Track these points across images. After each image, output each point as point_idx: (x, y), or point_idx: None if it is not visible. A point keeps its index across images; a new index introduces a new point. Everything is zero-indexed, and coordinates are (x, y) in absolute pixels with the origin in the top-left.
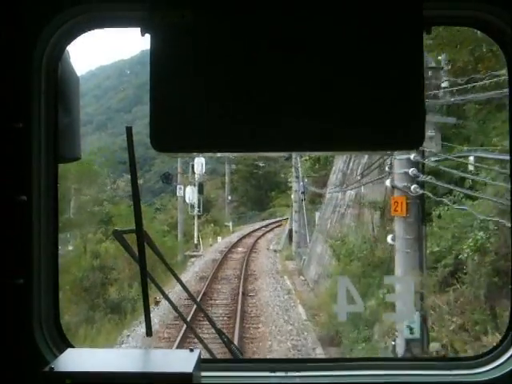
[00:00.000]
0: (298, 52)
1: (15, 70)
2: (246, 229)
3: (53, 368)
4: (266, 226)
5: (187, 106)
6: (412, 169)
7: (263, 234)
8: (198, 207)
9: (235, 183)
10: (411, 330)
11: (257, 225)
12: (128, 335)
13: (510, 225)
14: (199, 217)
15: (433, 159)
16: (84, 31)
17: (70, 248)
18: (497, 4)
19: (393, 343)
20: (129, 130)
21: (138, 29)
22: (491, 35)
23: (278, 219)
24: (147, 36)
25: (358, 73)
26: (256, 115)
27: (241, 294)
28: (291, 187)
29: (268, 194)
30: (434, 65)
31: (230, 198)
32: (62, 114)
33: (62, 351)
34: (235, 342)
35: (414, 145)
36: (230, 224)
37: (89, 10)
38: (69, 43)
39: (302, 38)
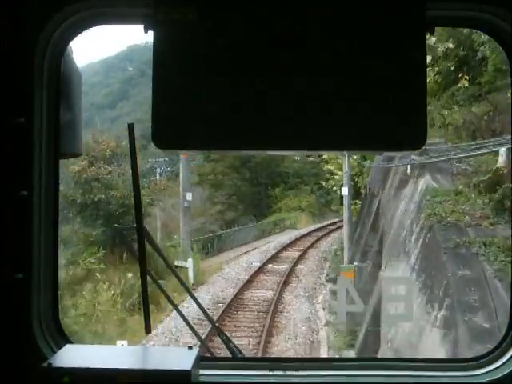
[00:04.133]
0: (300, 51)
1: (18, 65)
2: (232, 268)
3: (51, 364)
4: (274, 257)
5: (189, 104)
6: None
7: (276, 306)
8: None
9: (219, 176)
10: None
11: (252, 253)
12: None
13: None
14: None
15: None
16: (86, 28)
17: None
18: (499, 5)
19: None
20: (130, 127)
21: (136, 25)
22: (494, 36)
23: (293, 235)
24: (136, 31)
25: (360, 73)
26: (257, 114)
27: None
28: (332, 171)
29: (269, 192)
30: None
31: (189, 198)
32: (64, 109)
33: (60, 347)
34: None
35: (416, 146)
36: (190, 263)
37: (91, 6)
38: (71, 39)
39: (304, 38)
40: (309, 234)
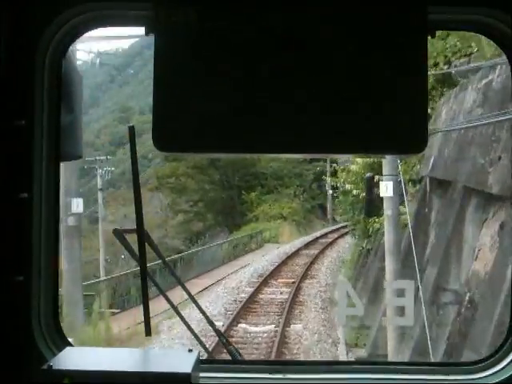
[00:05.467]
0: (301, 54)
1: (19, 68)
2: (172, 335)
3: (51, 366)
4: (250, 303)
5: (191, 106)
6: None
7: None
8: None
9: (181, 178)
10: None
11: (216, 291)
12: None
13: None
14: None
15: None
16: (87, 30)
17: None
18: (500, 8)
19: None
20: (131, 130)
21: (137, 27)
22: (495, 40)
23: (275, 255)
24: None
25: (361, 76)
26: (258, 116)
27: None
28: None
29: (243, 198)
30: None
31: (77, 208)
32: (65, 111)
33: (60, 349)
34: None
35: (416, 149)
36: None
37: (92, 8)
38: (72, 41)
39: (305, 40)
40: (297, 252)
